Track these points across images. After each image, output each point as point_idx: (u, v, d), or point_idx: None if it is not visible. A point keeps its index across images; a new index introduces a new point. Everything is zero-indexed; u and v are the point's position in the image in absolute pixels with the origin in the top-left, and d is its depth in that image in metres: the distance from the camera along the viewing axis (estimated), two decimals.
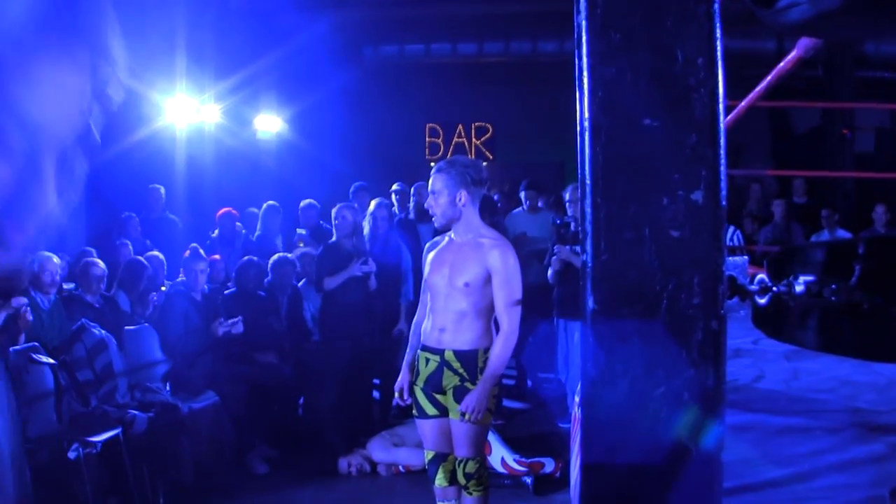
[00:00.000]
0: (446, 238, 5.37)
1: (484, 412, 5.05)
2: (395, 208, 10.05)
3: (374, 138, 15.47)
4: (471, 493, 5.27)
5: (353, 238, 8.43)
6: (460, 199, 5.17)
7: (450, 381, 5.17)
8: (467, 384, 5.11)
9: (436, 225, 5.41)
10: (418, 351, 5.36)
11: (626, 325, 2.35)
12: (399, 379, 5.47)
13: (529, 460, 7.02)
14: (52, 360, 6.81)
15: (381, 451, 7.44)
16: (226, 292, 8.67)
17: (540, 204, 10.31)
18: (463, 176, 5.18)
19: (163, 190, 10.78)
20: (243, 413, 7.91)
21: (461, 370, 5.15)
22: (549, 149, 16.64)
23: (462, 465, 5.20)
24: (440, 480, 5.37)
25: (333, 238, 8.53)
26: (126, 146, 11.30)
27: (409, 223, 9.79)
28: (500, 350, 5.13)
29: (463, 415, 5.04)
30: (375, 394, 9.16)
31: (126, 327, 7.76)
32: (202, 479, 7.30)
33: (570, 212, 8.47)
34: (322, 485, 7.34)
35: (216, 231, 10.51)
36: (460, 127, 17.38)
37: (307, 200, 10.40)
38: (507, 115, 16.71)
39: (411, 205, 10.12)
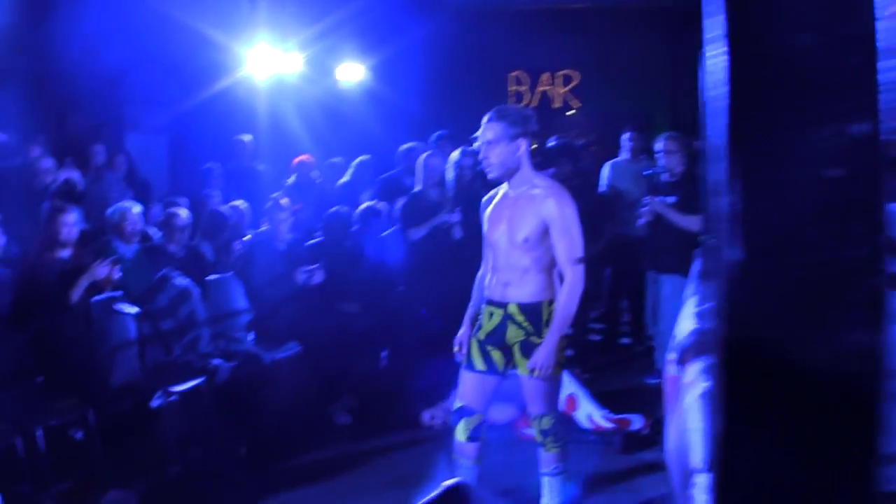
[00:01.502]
0: (501, 191, 5.19)
1: (553, 367, 4.91)
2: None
3: (457, 86, 15.16)
4: (548, 450, 5.16)
5: (438, 187, 8.30)
6: (519, 149, 4.98)
7: (514, 335, 5.05)
8: (533, 338, 4.98)
9: (490, 177, 5.17)
10: (482, 305, 5.24)
11: (774, 279, 2.08)
12: (460, 333, 5.37)
13: (617, 417, 6.83)
14: (135, 310, 6.81)
15: None
16: (310, 241, 8.59)
17: (643, 152, 9.93)
18: (520, 124, 4.98)
19: (248, 139, 10.72)
20: (326, 363, 7.85)
21: (525, 324, 5.01)
22: (637, 99, 16.20)
23: (538, 422, 5.09)
24: (460, 433, 5.27)
25: (419, 187, 8.41)
26: (209, 96, 11.29)
27: None
28: (566, 302, 4.93)
29: (531, 371, 4.90)
30: None
31: (209, 277, 7.73)
32: (284, 429, 7.27)
33: (661, 162, 8.21)
34: (405, 437, 7.25)
35: (292, 178, 10.40)
36: (545, 75, 17.04)
37: (409, 144, 10.14)
38: (595, 63, 16.27)
39: None
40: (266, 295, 7.81)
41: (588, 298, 9.13)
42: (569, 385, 6.94)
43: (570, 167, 8.74)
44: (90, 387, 6.42)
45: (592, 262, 8.72)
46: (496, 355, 5.13)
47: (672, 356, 4.14)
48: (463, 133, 10.23)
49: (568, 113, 16.88)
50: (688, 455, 2.29)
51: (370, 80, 14.33)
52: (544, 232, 4.92)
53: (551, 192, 4.96)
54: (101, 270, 6.60)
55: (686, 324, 4.12)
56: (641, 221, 8.10)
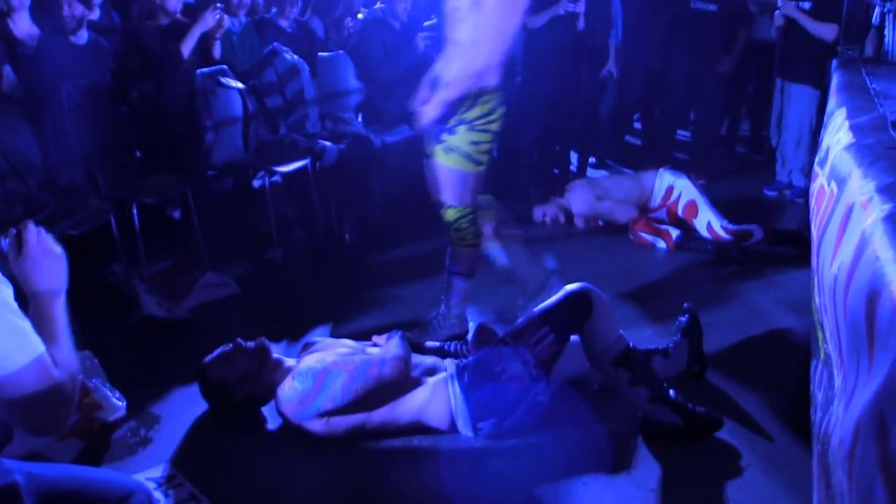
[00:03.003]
0: None
1: (429, 120, 4.61)
2: None
3: None
4: (454, 248, 5.00)
5: None
6: None
7: None
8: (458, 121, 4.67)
9: None
10: None
11: None
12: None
13: (737, 228, 6.44)
14: (240, 85, 6.54)
15: (581, 202, 6.96)
16: (427, 22, 8.14)
17: None
18: None
19: None
20: None
21: None
22: None
23: (444, 212, 4.89)
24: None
25: None
26: None
27: None
28: (467, 66, 4.52)
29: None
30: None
31: (319, 54, 7.39)
32: (390, 215, 7.05)
33: None
34: (517, 229, 6.96)
35: None
36: None
37: None
38: None
39: None
40: (378, 75, 7.46)
41: (707, 105, 8.69)
42: (689, 191, 6.60)
43: None
44: (191, 164, 6.23)
45: (727, 71, 8.26)
46: None
47: (822, 170, 3.71)
48: None
49: None
50: (882, 290, 1.89)
51: None
52: (475, 3, 4.45)
53: None
54: (211, 18, 6.29)
55: (839, 136, 3.68)
56: (774, 26, 7.61)
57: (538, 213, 7.20)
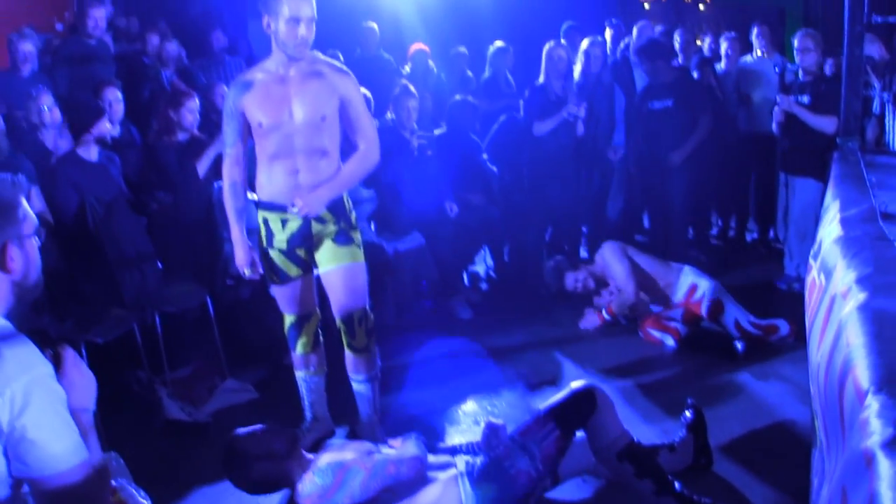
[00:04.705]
0: (259, 74, 4.77)
1: (316, 210, 4.70)
2: (609, 48, 9.36)
3: None
4: (369, 353, 5.08)
5: (563, 80, 8.01)
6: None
7: (321, 230, 4.84)
8: (344, 226, 4.88)
9: (297, 54, 4.66)
10: (262, 213, 4.92)
11: None
12: (239, 256, 4.96)
13: (764, 322, 6.52)
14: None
15: (611, 251, 7.00)
16: (436, 131, 8.36)
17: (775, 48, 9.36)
18: None
19: (377, 27, 10.46)
20: (449, 255, 7.68)
21: (329, 217, 4.82)
22: None
23: (361, 322, 4.94)
24: (302, 346, 5.14)
25: (541, 80, 8.12)
26: None
27: (626, 64, 9.22)
28: (356, 166, 4.86)
29: (292, 207, 4.67)
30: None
31: None
32: (404, 320, 7.18)
33: (798, 60, 7.79)
34: (525, 334, 7.07)
35: (408, 67, 10.13)
36: None
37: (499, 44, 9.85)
38: None
39: (627, 44, 9.51)
40: (389, 184, 7.62)
41: (708, 198, 8.84)
42: (714, 290, 6.64)
43: (661, 62, 8.30)
44: (210, 273, 6.41)
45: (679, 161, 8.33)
46: (302, 253, 4.92)
47: (815, 263, 3.86)
48: (592, 24, 9.86)
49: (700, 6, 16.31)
50: (848, 374, 2.05)
51: None
52: (338, 110, 4.73)
53: (341, 70, 4.80)
54: None
55: (830, 229, 3.83)
56: (774, 122, 7.77)
57: (570, 280, 7.27)
